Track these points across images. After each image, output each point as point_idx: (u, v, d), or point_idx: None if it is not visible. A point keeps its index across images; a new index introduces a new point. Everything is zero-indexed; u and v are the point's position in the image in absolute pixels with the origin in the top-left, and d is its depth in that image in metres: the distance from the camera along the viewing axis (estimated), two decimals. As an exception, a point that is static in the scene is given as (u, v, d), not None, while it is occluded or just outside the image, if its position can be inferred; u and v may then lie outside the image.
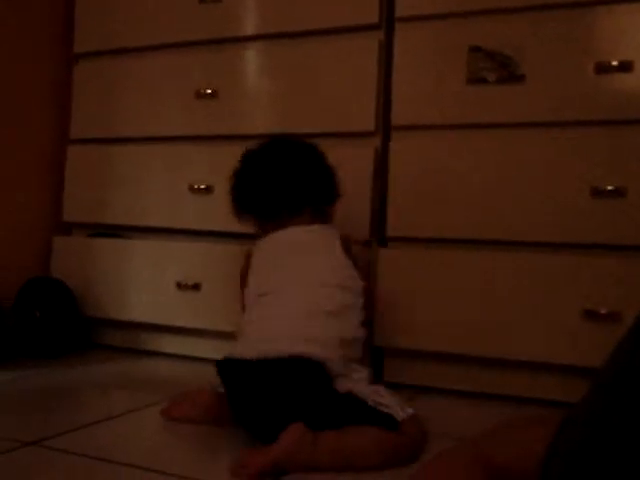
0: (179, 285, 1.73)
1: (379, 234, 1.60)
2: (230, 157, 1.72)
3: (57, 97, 1.98)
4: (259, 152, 1.38)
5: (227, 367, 1.17)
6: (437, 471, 0.71)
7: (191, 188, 1.75)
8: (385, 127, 1.60)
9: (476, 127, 1.51)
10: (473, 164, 1.49)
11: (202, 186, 1.74)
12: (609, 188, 1.39)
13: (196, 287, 1.71)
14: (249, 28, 1.73)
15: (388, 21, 1.60)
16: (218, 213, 1.72)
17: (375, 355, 1.61)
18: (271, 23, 1.70)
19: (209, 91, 1.74)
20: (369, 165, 1.58)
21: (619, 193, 1.38)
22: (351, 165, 1.59)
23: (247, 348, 1.17)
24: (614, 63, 1.39)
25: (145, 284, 1.79)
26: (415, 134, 1.56)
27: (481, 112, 1.49)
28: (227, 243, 1.71)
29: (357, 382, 1.17)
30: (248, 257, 1.36)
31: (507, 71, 1.47)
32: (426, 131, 1.55)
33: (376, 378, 1.60)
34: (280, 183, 1.33)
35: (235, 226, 1.70)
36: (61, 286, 1.80)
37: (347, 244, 1.32)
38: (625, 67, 1.38)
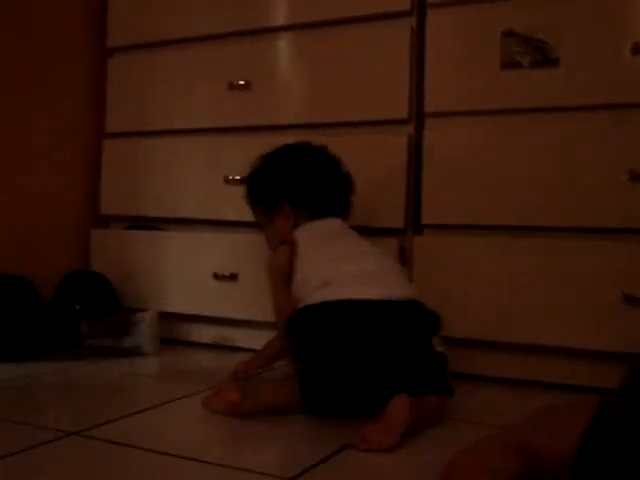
0: (216, 276, 1.74)
1: (414, 222, 1.59)
2: (264, 148, 1.73)
3: (92, 91, 2.01)
4: (305, 150, 1.48)
5: (344, 308, 1.21)
6: (471, 457, 0.71)
7: (226, 179, 1.76)
8: (418, 114, 1.59)
9: (510, 112, 1.49)
10: (508, 150, 1.48)
11: (237, 177, 1.75)
12: (647, 171, 1.37)
13: (233, 277, 1.73)
14: (281, 18, 1.73)
15: (420, 7, 1.59)
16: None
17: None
18: (303, 12, 1.70)
19: (242, 82, 1.75)
20: (403, 153, 1.58)
21: (658, 176, 1.36)
22: (385, 153, 1.60)
23: (358, 291, 1.22)
24: (651, 44, 1.37)
25: (182, 275, 1.80)
26: (449, 121, 1.55)
27: (515, 97, 1.48)
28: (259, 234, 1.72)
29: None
30: (291, 242, 1.38)
31: (541, 55, 1.46)
32: (460, 117, 1.54)
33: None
34: (342, 184, 1.46)
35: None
36: (100, 279, 1.83)
37: None
38: (662, 48, 1.36)
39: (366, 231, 1.61)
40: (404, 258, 1.58)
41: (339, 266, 1.30)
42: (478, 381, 1.51)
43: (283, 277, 1.37)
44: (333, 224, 1.42)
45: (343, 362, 1.19)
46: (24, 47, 1.80)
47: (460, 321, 1.50)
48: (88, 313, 1.75)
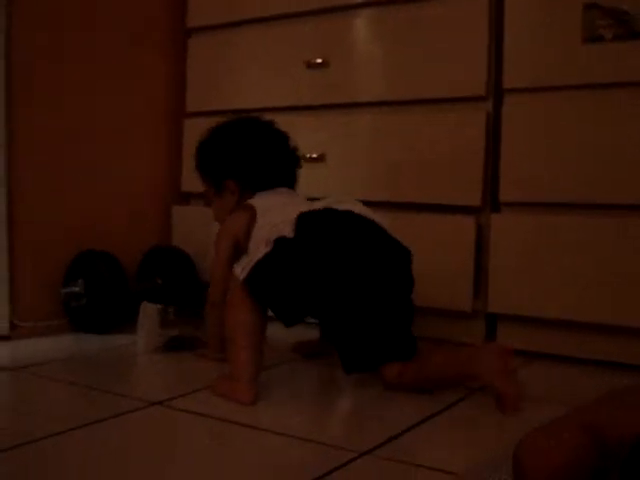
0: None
1: (492, 200, 1.58)
2: (342, 125, 1.75)
3: (173, 71, 2.05)
4: (249, 125, 1.47)
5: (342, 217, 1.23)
6: (545, 439, 0.71)
7: (304, 157, 1.77)
8: (497, 91, 1.57)
9: (592, 87, 1.45)
10: (589, 126, 1.45)
11: (314, 155, 1.76)
12: None
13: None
14: (358, -5, 1.73)
15: (499, -19, 1.56)
16: (330, 181, 1.75)
17: (489, 321, 1.60)
18: (380, -11, 1.70)
19: (319, 60, 1.76)
20: (481, 130, 1.56)
21: None
22: (463, 130, 1.58)
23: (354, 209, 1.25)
24: None
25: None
26: (528, 97, 1.52)
27: (598, 71, 1.44)
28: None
29: None
30: (248, 209, 1.34)
31: (625, 27, 1.41)
32: (540, 93, 1.51)
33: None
34: (288, 159, 1.46)
35: (348, 192, 1.72)
36: (181, 254, 1.88)
37: None
38: None
39: (442, 209, 1.61)
40: (480, 236, 1.57)
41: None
42: (555, 360, 1.50)
43: (234, 242, 1.35)
44: (283, 191, 1.42)
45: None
46: (105, 30, 1.85)
47: (537, 300, 1.49)
48: (169, 287, 1.80)
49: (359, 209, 1.27)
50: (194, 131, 1.99)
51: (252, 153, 1.43)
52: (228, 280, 1.27)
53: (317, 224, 1.22)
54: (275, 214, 1.29)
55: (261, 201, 1.36)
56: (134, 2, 1.92)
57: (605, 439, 0.69)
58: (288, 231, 1.20)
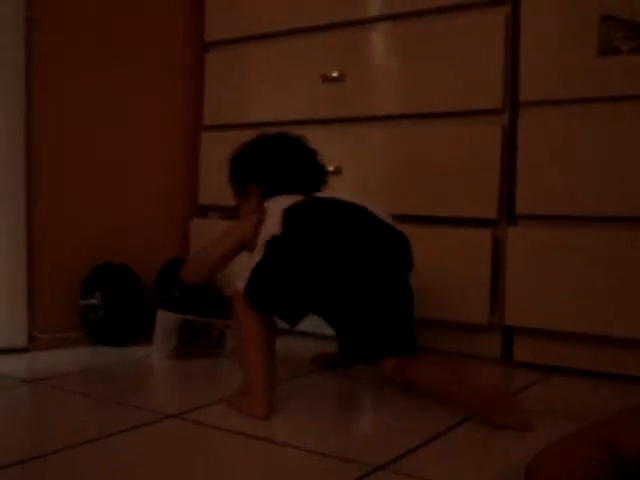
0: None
1: (508, 212, 1.57)
2: (358, 139, 1.75)
3: (191, 85, 2.06)
4: (279, 137, 1.49)
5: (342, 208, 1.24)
6: (560, 453, 0.71)
7: (319, 170, 1.78)
8: (513, 103, 1.57)
9: (609, 100, 1.45)
10: (605, 138, 1.44)
11: (331, 168, 1.76)
12: None
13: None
14: (374, 9, 1.73)
15: (514, -6, 1.56)
16: (347, 194, 1.75)
17: (505, 334, 1.59)
18: (396, 3, 1.70)
19: (335, 74, 1.76)
20: (497, 143, 1.56)
21: None
22: (478, 143, 1.58)
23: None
24: None
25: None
26: (544, 110, 1.52)
27: (614, 84, 1.44)
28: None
29: None
30: (261, 212, 1.34)
31: (642, 40, 1.41)
32: (556, 106, 1.51)
33: (506, 357, 1.59)
34: (307, 167, 1.45)
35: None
36: (198, 267, 1.88)
37: None
38: None
39: (458, 222, 1.61)
40: (497, 249, 1.57)
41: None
42: (572, 374, 1.49)
43: (239, 245, 1.36)
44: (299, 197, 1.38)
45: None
46: (123, 46, 1.87)
47: (555, 313, 1.48)
48: (186, 299, 1.81)
49: (347, 196, 1.27)
50: (211, 144, 2.02)
51: (276, 159, 1.45)
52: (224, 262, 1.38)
53: (302, 216, 1.23)
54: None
55: (275, 203, 1.36)
56: (152, 18, 1.94)
57: (621, 453, 0.69)
58: (276, 229, 1.22)
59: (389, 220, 1.27)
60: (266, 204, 1.35)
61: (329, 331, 1.27)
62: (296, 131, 1.83)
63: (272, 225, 1.24)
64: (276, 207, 1.29)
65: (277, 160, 1.45)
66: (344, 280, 1.17)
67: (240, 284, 1.20)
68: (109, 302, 1.71)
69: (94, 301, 1.71)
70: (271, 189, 1.41)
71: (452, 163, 1.61)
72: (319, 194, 1.29)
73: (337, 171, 1.76)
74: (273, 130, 1.52)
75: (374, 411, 1.22)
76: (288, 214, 1.23)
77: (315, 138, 1.80)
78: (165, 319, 1.58)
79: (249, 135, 1.89)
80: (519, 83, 1.54)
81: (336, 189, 1.73)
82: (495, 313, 1.58)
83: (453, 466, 0.98)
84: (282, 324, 1.21)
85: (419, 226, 1.66)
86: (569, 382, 1.44)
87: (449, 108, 1.63)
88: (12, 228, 1.63)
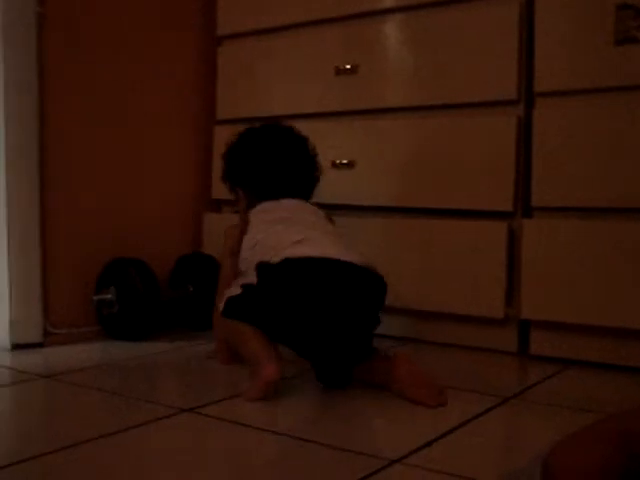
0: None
1: (524, 204, 1.56)
2: (371, 131, 1.74)
3: (203, 79, 2.06)
4: (263, 133, 1.56)
5: (319, 264, 1.26)
6: (577, 446, 0.70)
7: (333, 164, 1.77)
8: (528, 94, 1.55)
9: (626, 90, 1.43)
10: (621, 128, 1.42)
11: (344, 161, 1.76)
12: None
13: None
14: (387, 0, 1.72)
15: (529, -17, 1.55)
16: (360, 188, 1.75)
17: (522, 328, 1.58)
18: (409, -6, 1.69)
19: (348, 67, 1.75)
20: (512, 134, 1.55)
21: None
22: (493, 135, 1.57)
23: (330, 252, 1.29)
24: None
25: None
26: (560, 100, 1.51)
27: (631, 73, 1.42)
28: (370, 216, 1.73)
29: None
30: (245, 220, 1.47)
31: (659, 29, 1.39)
32: (571, 96, 1.49)
33: (523, 351, 1.58)
34: (292, 168, 1.51)
35: (379, 198, 1.72)
36: (212, 261, 1.88)
37: (329, 218, 1.51)
38: None
39: (473, 214, 1.60)
40: (512, 242, 1.56)
41: (285, 231, 1.36)
42: (590, 367, 1.47)
43: (234, 256, 1.46)
44: (287, 204, 1.47)
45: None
46: (135, 41, 1.87)
47: (571, 306, 1.47)
48: (200, 295, 1.81)
49: (321, 251, 1.29)
50: (224, 138, 2.00)
51: (258, 164, 1.52)
52: (234, 270, 1.46)
53: (273, 275, 1.28)
54: (261, 231, 1.40)
55: (258, 214, 1.46)
56: (165, 13, 1.94)
57: (638, 447, 0.68)
58: (252, 279, 1.31)
59: (364, 264, 1.30)
60: (250, 214, 1.46)
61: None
62: (309, 124, 1.83)
63: (249, 250, 1.39)
64: (256, 221, 1.43)
65: (260, 163, 1.52)
66: (302, 326, 1.25)
67: (220, 305, 1.35)
68: (123, 297, 1.71)
69: (109, 296, 1.72)
70: (256, 195, 1.51)
71: (467, 155, 1.60)
72: (297, 252, 1.30)
73: (350, 164, 1.75)
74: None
75: (386, 407, 1.21)
76: (260, 270, 1.30)
77: (328, 131, 1.81)
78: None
79: (262, 129, 1.90)
80: (534, 73, 1.52)
81: (349, 183, 1.74)
82: (511, 306, 1.57)
83: (469, 459, 0.97)
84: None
85: (434, 219, 1.65)
86: (586, 375, 1.43)
87: (463, 99, 1.61)
88: (26, 225, 1.63)
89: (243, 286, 1.32)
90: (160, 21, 1.93)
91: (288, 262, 1.27)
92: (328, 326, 1.24)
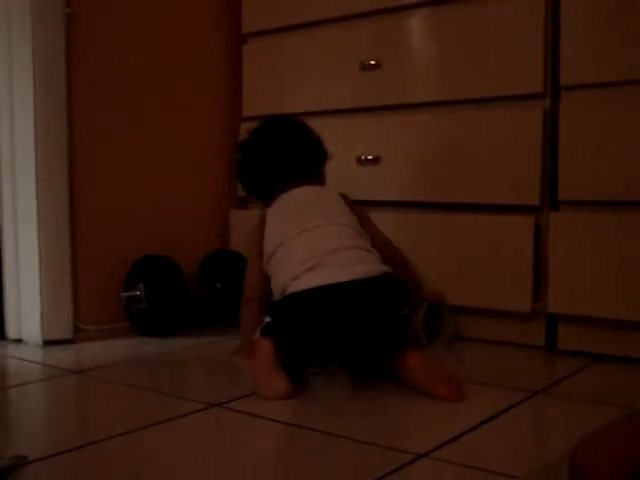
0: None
1: (550, 198, 1.55)
2: (397, 127, 1.74)
3: (229, 77, 2.07)
4: (261, 131, 1.57)
5: (320, 294, 1.26)
6: (603, 442, 0.70)
7: (359, 159, 1.78)
8: (554, 87, 1.54)
9: (654, 82, 1.42)
10: (651, 121, 1.41)
11: (370, 157, 1.76)
12: None
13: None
14: (411, -5, 1.72)
15: (554, -25, 1.54)
16: (386, 183, 1.75)
17: (549, 322, 1.58)
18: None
19: (373, 62, 1.75)
20: (538, 127, 1.54)
21: None
22: (520, 128, 1.56)
23: (330, 275, 1.27)
24: None
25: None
26: (586, 92, 1.49)
27: (660, 65, 1.41)
28: (395, 212, 1.73)
29: None
30: (262, 219, 1.48)
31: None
32: (598, 89, 1.48)
33: (550, 345, 1.57)
34: (286, 157, 1.51)
35: (405, 193, 1.72)
36: (239, 258, 1.89)
37: (347, 200, 1.50)
38: None
39: (499, 209, 1.59)
40: (539, 236, 1.55)
41: (301, 247, 1.35)
42: (618, 362, 1.46)
43: (258, 249, 1.45)
44: (298, 196, 1.46)
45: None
46: (161, 40, 1.89)
47: (599, 300, 1.46)
48: (228, 291, 1.82)
49: (334, 276, 1.28)
50: (250, 136, 2.01)
51: (257, 172, 1.53)
52: (261, 280, 1.45)
53: (282, 310, 1.31)
54: (275, 230, 1.42)
55: (273, 213, 1.47)
56: (191, 12, 1.95)
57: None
58: (267, 319, 1.33)
59: (382, 271, 1.31)
60: (267, 212, 1.48)
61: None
62: (334, 120, 1.84)
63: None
64: (273, 217, 1.45)
65: (259, 171, 1.53)
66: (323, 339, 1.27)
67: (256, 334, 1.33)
68: (152, 294, 1.73)
69: (137, 293, 1.73)
70: (263, 197, 1.54)
71: (493, 149, 1.59)
72: (297, 288, 1.30)
73: (376, 160, 1.75)
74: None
75: (412, 402, 1.21)
76: (270, 309, 1.34)
77: (353, 127, 1.81)
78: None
79: (287, 125, 1.90)
80: (560, 66, 1.51)
81: (375, 178, 1.74)
82: (539, 301, 1.56)
83: (497, 454, 0.97)
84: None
85: (461, 214, 1.65)
86: (614, 369, 1.42)
87: (489, 93, 1.61)
88: (56, 223, 1.65)
89: (260, 329, 1.33)
90: (187, 20, 1.94)
91: (294, 298, 1.29)
92: (348, 345, 1.27)
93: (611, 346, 1.48)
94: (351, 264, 1.30)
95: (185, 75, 1.94)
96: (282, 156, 1.50)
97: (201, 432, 1.07)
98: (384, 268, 1.33)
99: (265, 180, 1.52)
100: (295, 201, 1.46)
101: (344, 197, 1.50)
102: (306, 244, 1.35)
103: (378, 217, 1.71)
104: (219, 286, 1.85)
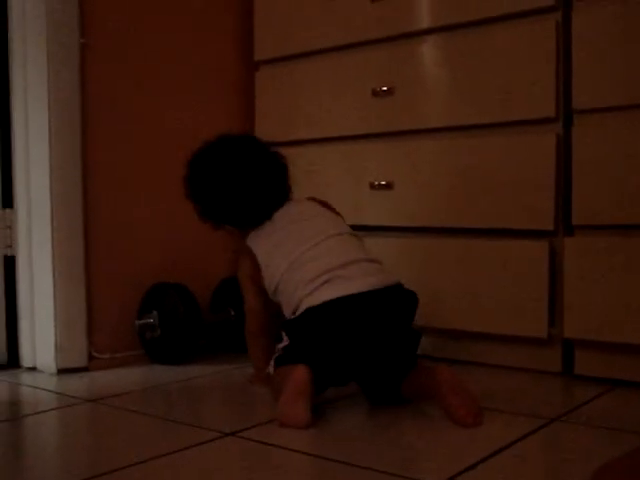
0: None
1: (565, 223, 1.55)
2: (409, 152, 1.74)
3: (242, 104, 2.08)
4: (227, 163, 1.51)
5: (337, 306, 1.27)
6: (622, 470, 0.69)
7: (372, 185, 1.78)
8: (566, 112, 1.54)
9: (667, 105, 1.42)
10: (664, 145, 1.41)
11: (383, 182, 1.76)
12: None
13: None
14: (423, 22, 1.72)
15: (566, 0, 1.54)
16: (399, 209, 1.74)
17: (566, 347, 1.56)
18: (445, 14, 1.69)
19: (385, 88, 1.76)
20: (551, 152, 1.53)
21: None
22: (533, 153, 1.56)
23: (345, 287, 1.28)
24: None
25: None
26: (599, 117, 1.49)
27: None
28: (409, 237, 1.73)
29: None
30: (250, 253, 1.46)
31: (700, 43, 1.37)
32: (611, 113, 1.48)
33: (566, 371, 1.55)
34: (265, 191, 1.48)
35: (418, 219, 1.72)
36: (253, 284, 1.89)
37: (324, 204, 1.52)
38: None
39: (513, 234, 1.59)
40: (554, 260, 1.54)
41: (309, 266, 1.35)
42: (636, 388, 1.45)
43: (254, 280, 1.47)
44: (275, 224, 1.45)
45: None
46: (174, 67, 1.90)
47: (616, 325, 1.44)
48: (242, 318, 1.81)
49: (349, 288, 1.29)
50: (263, 162, 2.01)
51: (230, 202, 1.49)
52: (262, 311, 1.49)
53: (299, 328, 1.32)
54: (273, 261, 1.41)
55: (257, 245, 1.46)
56: (204, 40, 1.97)
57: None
58: (285, 342, 1.34)
59: (393, 283, 1.33)
60: (250, 244, 1.47)
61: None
62: (347, 146, 1.84)
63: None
64: (261, 249, 1.44)
65: (232, 201, 1.48)
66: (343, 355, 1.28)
67: (270, 368, 1.36)
68: (165, 321, 1.72)
69: (151, 320, 1.73)
70: (240, 225, 1.51)
71: (506, 174, 1.59)
72: (311, 302, 1.31)
73: (389, 186, 1.75)
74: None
75: (428, 428, 1.20)
76: (286, 328, 1.35)
77: (365, 153, 1.81)
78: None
79: (299, 152, 1.91)
80: (572, 90, 1.51)
81: (388, 204, 1.74)
82: (555, 326, 1.55)
83: (515, 483, 0.96)
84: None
85: (475, 239, 1.64)
86: (632, 396, 1.40)
87: (502, 118, 1.61)
88: (70, 252, 1.66)
89: (275, 358, 1.35)
90: (198, 47, 1.96)
91: (311, 312, 1.29)
92: (361, 359, 1.28)
93: (629, 372, 1.47)
94: (363, 275, 1.32)
95: (198, 103, 1.96)
96: (262, 191, 1.48)
97: (216, 461, 1.06)
98: (395, 278, 1.35)
99: (249, 214, 1.48)
100: (282, 228, 1.45)
101: (318, 201, 1.52)
102: (312, 264, 1.35)
103: (391, 242, 1.72)
104: (233, 313, 1.84)
